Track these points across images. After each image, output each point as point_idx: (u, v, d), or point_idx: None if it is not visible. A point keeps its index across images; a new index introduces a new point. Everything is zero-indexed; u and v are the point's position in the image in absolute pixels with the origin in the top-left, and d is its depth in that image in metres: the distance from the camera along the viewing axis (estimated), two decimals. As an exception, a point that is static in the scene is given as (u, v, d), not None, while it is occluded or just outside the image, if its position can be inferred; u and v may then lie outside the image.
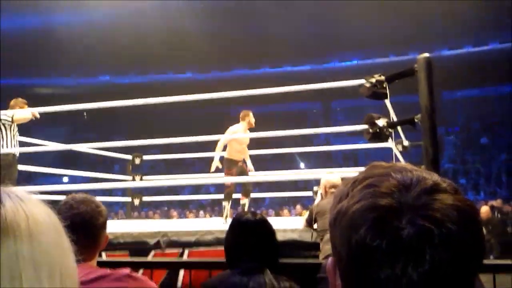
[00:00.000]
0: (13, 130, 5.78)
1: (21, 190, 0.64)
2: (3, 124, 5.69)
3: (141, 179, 7.70)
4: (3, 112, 5.70)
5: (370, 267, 0.61)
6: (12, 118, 5.66)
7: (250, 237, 1.95)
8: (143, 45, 19.44)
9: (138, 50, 19.65)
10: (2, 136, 5.70)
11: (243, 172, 6.47)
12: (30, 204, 0.62)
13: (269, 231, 2.01)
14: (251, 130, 6.64)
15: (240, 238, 1.97)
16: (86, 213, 1.69)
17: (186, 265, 2.95)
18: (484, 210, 9.53)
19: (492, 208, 10.78)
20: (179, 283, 3.40)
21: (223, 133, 6.37)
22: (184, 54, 19.73)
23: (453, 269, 0.60)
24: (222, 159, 6.51)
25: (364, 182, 0.65)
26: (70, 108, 5.35)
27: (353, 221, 0.63)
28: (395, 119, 4.19)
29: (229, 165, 6.46)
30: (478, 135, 20.81)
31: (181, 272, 3.43)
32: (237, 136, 6.32)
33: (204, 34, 18.79)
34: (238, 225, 2.01)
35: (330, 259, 0.69)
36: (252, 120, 6.55)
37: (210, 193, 14.80)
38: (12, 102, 5.98)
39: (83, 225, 1.67)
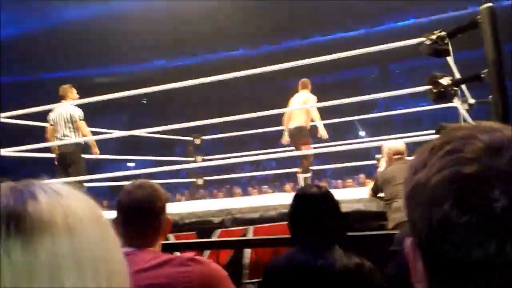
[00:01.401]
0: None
1: (58, 184, 0.60)
2: (71, 118, 5.94)
3: (202, 160, 7.79)
4: (77, 112, 5.93)
5: (457, 248, 0.52)
6: (79, 117, 5.92)
7: (316, 211, 1.87)
8: (191, 26, 19.51)
9: (186, 32, 19.76)
10: (70, 128, 5.95)
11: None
12: (69, 198, 0.57)
13: (335, 204, 1.93)
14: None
15: (305, 212, 1.89)
16: (142, 197, 1.68)
17: (251, 244, 2.92)
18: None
19: None
20: (246, 260, 3.39)
21: (284, 107, 6.39)
22: (233, 31, 19.65)
23: None
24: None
25: (445, 148, 0.56)
26: (128, 94, 5.42)
27: (434, 194, 0.54)
28: (458, 76, 3.95)
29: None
30: None
31: (247, 249, 3.41)
32: (307, 106, 6.34)
33: (250, 8, 18.59)
34: (303, 198, 1.93)
35: (409, 239, 0.60)
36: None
37: (272, 168, 14.83)
38: (62, 92, 6.16)
39: (141, 210, 1.66)
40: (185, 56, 22.96)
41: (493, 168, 0.51)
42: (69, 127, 6.00)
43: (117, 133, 6.18)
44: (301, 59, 4.96)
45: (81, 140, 6.00)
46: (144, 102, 21.11)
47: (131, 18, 19.36)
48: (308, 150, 6.39)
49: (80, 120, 5.99)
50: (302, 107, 6.44)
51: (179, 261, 1.58)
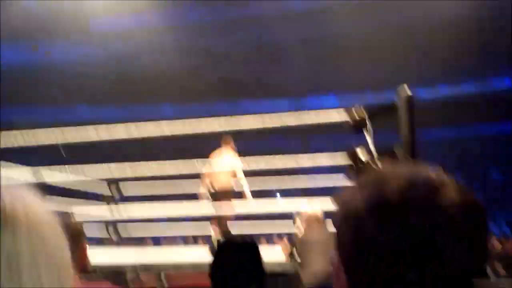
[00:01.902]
0: None
1: (19, 186, 0.65)
2: None
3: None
4: None
5: (378, 263, 0.63)
6: None
7: (237, 256, 1.94)
8: (125, 79, 19.42)
9: (119, 84, 19.61)
10: None
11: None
12: (29, 198, 0.63)
13: (258, 252, 2.01)
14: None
15: (227, 257, 1.95)
16: None
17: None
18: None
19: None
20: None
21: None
22: (164, 89, 19.74)
23: (461, 262, 0.63)
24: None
25: (371, 183, 0.68)
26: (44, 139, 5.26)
27: (362, 219, 0.65)
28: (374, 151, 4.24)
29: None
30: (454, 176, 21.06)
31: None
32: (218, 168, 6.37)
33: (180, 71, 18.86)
34: (226, 245, 2.00)
35: (334, 260, 0.71)
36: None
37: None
38: None
39: None
40: (112, 108, 22.65)
41: (411, 199, 0.64)
42: None
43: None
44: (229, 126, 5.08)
45: None
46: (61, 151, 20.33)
47: (58, 66, 19.02)
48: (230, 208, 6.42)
49: None
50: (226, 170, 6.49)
51: None
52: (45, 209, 0.63)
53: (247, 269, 1.96)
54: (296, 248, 4.48)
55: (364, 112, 3.98)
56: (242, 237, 2.07)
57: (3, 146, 5.06)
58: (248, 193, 6.69)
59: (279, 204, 8.81)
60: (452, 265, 0.63)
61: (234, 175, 6.67)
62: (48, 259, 0.60)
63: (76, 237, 1.71)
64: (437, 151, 22.44)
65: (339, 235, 0.70)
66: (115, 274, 4.01)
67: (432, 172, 0.68)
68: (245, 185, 6.68)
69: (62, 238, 0.64)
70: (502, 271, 9.27)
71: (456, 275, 0.63)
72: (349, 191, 0.71)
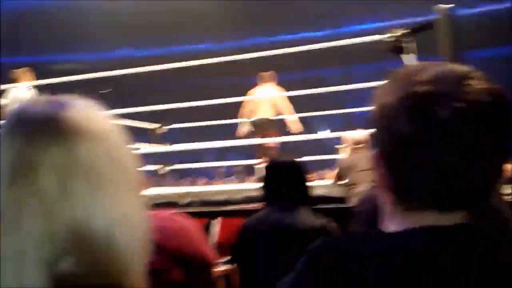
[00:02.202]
0: None
1: (86, 101, 0.68)
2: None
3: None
4: (28, 95, 5.78)
5: (409, 151, 0.66)
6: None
7: (286, 176, 2.07)
8: (159, 16, 19.36)
9: (155, 22, 19.58)
10: None
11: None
12: (98, 110, 0.67)
13: (304, 172, 2.13)
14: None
15: (276, 178, 2.08)
16: None
17: (224, 213, 3.06)
18: (510, 166, 9.46)
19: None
20: (215, 234, 3.52)
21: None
22: (198, 25, 19.59)
23: (486, 148, 0.65)
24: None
25: (401, 77, 0.71)
26: (90, 76, 5.43)
27: (392, 110, 0.68)
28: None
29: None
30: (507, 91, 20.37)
31: (217, 222, 3.53)
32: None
33: (218, 3, 18.60)
34: (274, 166, 2.13)
35: (373, 153, 0.75)
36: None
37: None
38: (14, 75, 6.00)
39: None
40: (150, 47, 22.72)
41: (438, 89, 0.66)
42: None
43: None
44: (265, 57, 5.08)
45: None
46: (105, 91, 20.75)
47: (96, 5, 19.06)
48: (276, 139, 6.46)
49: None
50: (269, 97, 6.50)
51: (159, 217, 1.70)
52: (111, 121, 0.67)
53: (294, 189, 2.08)
54: (341, 171, 4.59)
55: (403, 31, 3.91)
56: (289, 158, 2.18)
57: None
58: (295, 121, 6.71)
59: (326, 134, 8.84)
60: (480, 151, 0.65)
61: (276, 105, 6.69)
62: (123, 169, 0.63)
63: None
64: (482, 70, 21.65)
65: (374, 130, 0.74)
66: (169, 205, 4.21)
67: (458, 66, 0.71)
68: (291, 114, 6.70)
69: (129, 148, 0.67)
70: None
71: (485, 161, 0.66)
72: (380, 89, 0.74)
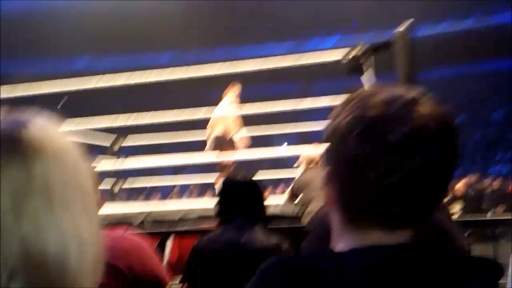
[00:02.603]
0: None
1: (43, 119, 0.67)
2: None
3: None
4: None
5: (358, 172, 0.69)
6: None
7: (241, 195, 2.03)
8: (121, 26, 19.17)
9: (116, 32, 19.37)
10: None
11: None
12: (53, 129, 0.66)
13: (259, 191, 2.10)
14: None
15: (231, 196, 2.05)
16: None
17: (176, 233, 3.02)
18: (458, 185, 9.76)
19: (467, 184, 11.03)
20: (167, 253, 3.46)
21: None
22: (164, 34, 19.50)
23: (431, 171, 0.68)
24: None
25: (353, 101, 0.74)
26: (46, 90, 5.30)
27: (343, 132, 0.71)
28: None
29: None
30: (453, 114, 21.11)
31: (169, 242, 3.48)
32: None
33: (181, 12, 18.58)
34: (229, 184, 2.09)
35: (324, 172, 0.77)
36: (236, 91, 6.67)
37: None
38: None
39: None
40: (111, 57, 22.44)
41: (388, 113, 0.69)
42: None
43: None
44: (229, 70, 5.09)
45: None
46: (62, 103, 20.35)
47: (56, 12, 18.72)
48: (231, 156, 6.49)
49: None
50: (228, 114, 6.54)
51: (111, 237, 1.67)
52: (70, 141, 0.67)
53: (248, 208, 2.05)
54: (295, 189, 4.59)
55: (361, 51, 3.98)
56: (245, 176, 2.16)
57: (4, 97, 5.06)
58: (245, 137, 6.76)
59: (282, 150, 8.91)
60: (425, 172, 0.68)
61: (234, 121, 6.71)
62: (76, 189, 0.63)
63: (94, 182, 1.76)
64: (438, 90, 22.43)
65: (326, 150, 0.76)
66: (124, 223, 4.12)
67: (409, 90, 0.73)
68: (243, 131, 6.75)
69: (87, 171, 0.67)
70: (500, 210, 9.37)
71: (430, 182, 0.69)
72: (334, 111, 0.76)
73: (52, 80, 5.50)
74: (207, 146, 6.89)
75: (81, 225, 0.62)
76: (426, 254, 0.71)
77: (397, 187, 0.68)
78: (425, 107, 0.69)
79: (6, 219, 0.57)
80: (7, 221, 0.57)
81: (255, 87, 20.87)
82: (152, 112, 6.23)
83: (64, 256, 0.59)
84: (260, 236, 1.93)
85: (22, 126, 0.63)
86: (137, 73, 5.34)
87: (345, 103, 0.75)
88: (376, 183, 0.68)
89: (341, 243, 0.75)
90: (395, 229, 0.71)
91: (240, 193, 2.06)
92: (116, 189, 7.88)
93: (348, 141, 0.69)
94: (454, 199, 7.50)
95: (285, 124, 8.27)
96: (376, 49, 3.98)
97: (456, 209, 6.75)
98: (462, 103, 21.03)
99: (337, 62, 4.20)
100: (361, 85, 4.27)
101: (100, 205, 1.83)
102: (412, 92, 0.72)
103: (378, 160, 0.68)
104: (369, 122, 0.69)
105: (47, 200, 0.59)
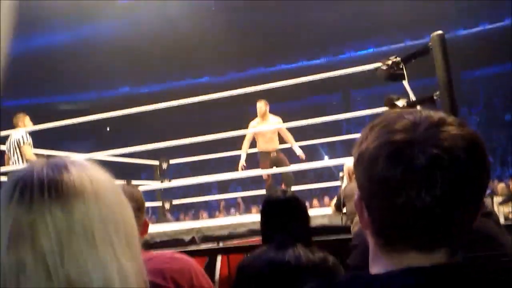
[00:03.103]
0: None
1: (82, 159, 0.73)
2: (18, 144, 5.82)
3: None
4: (23, 137, 5.84)
5: (388, 195, 0.70)
6: (23, 142, 5.81)
7: (281, 213, 2.05)
8: (158, 53, 19.62)
9: (154, 58, 19.84)
10: (18, 154, 5.83)
11: (279, 161, 6.59)
12: (92, 169, 0.70)
13: (300, 206, 2.11)
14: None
15: (272, 215, 2.07)
16: None
17: (224, 251, 3.05)
18: (500, 186, 9.44)
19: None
20: (217, 272, 3.50)
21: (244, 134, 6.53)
22: (199, 58, 19.84)
23: (462, 191, 0.68)
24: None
25: (380, 124, 0.74)
26: (91, 118, 5.51)
27: (372, 156, 0.72)
28: (414, 99, 4.22)
29: (261, 158, 6.63)
30: (501, 112, 20.50)
31: (219, 259, 3.52)
32: (256, 130, 6.46)
33: (217, 37, 18.85)
34: (269, 203, 2.11)
35: (356, 195, 0.78)
36: (259, 108, 6.69)
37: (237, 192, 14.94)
38: (14, 120, 6.07)
39: None
40: (151, 83, 23.00)
41: (414, 136, 0.70)
42: (17, 153, 5.83)
43: (76, 156, 6.16)
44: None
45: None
46: (108, 129, 20.94)
47: (97, 44, 19.34)
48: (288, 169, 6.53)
49: (24, 144, 5.80)
50: (274, 128, 6.60)
51: (161, 259, 1.71)
52: (109, 179, 0.71)
53: (291, 225, 2.06)
54: (341, 199, 4.56)
55: (399, 58, 3.95)
56: (285, 192, 2.18)
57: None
58: (299, 149, 6.80)
59: (326, 161, 8.89)
60: (457, 192, 0.68)
61: (277, 135, 6.75)
62: (117, 226, 0.67)
63: (140, 206, 1.83)
64: (480, 89, 21.88)
65: (356, 174, 0.77)
66: (174, 242, 4.19)
67: (435, 112, 0.74)
68: (294, 142, 6.79)
69: (127, 206, 0.72)
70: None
71: (462, 201, 0.69)
72: (361, 134, 0.77)
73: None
74: (242, 162, 6.84)
75: (123, 260, 0.65)
76: (463, 274, 0.71)
77: (430, 209, 0.68)
78: (452, 129, 0.70)
79: (52, 260, 0.61)
80: (54, 262, 0.61)
81: (296, 100, 21.00)
82: (194, 131, 6.38)
83: None
84: (303, 253, 1.93)
85: (63, 169, 0.67)
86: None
87: (372, 126, 0.76)
88: (409, 206, 0.69)
89: (377, 265, 0.76)
90: (430, 250, 0.71)
91: (280, 210, 2.07)
92: (165, 209, 8.04)
93: (377, 166, 0.70)
94: (505, 200, 7.25)
95: (327, 135, 8.26)
96: (414, 55, 3.94)
97: (508, 209, 6.52)
98: (509, 100, 20.43)
99: (376, 69, 4.18)
100: (403, 91, 4.24)
101: (145, 230, 1.87)
102: (436, 114, 0.73)
103: (408, 184, 0.68)
104: (397, 146, 0.70)
105: (89, 239, 0.63)
